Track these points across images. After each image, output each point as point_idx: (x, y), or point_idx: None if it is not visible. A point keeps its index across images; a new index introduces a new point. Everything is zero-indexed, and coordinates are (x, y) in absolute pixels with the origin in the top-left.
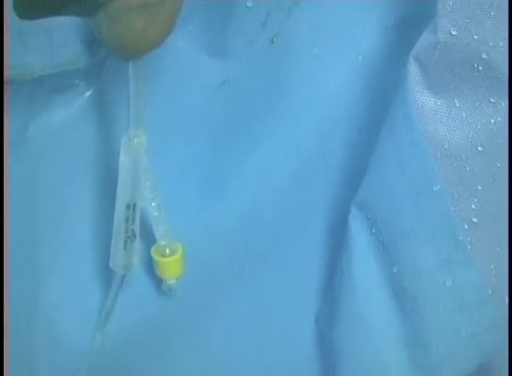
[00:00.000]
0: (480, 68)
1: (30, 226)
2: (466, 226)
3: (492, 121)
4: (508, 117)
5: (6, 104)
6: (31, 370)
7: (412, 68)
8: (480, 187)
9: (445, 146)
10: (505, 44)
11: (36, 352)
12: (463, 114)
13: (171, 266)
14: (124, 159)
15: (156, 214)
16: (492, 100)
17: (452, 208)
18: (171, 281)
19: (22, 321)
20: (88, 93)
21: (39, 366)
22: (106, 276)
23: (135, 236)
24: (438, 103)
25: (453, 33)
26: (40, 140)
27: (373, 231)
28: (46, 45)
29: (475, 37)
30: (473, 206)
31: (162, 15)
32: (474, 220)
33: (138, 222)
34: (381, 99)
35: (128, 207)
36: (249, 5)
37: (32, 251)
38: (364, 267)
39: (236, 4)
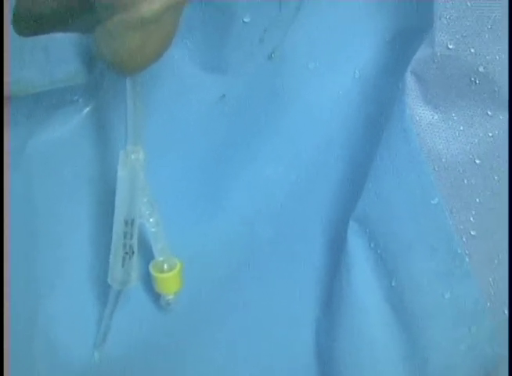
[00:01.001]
0: (477, 81)
1: (28, 240)
2: (464, 239)
3: (490, 134)
4: (508, 130)
5: (6, 119)
6: None
7: (410, 82)
8: (478, 200)
9: (443, 160)
10: (501, 57)
11: (35, 364)
12: (461, 127)
13: (169, 282)
14: (121, 175)
15: (154, 230)
16: (489, 113)
17: (450, 221)
18: (170, 296)
19: (22, 334)
20: (86, 109)
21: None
22: (105, 290)
23: (133, 252)
24: (436, 117)
25: (450, 46)
26: (38, 156)
27: (372, 245)
28: (44, 61)
29: (472, 50)
30: (471, 219)
31: (159, 31)
32: (472, 233)
33: (136, 237)
34: (378, 113)
35: (126, 222)
36: (246, 20)
37: (31, 266)
38: (363, 280)
39: (233, 19)
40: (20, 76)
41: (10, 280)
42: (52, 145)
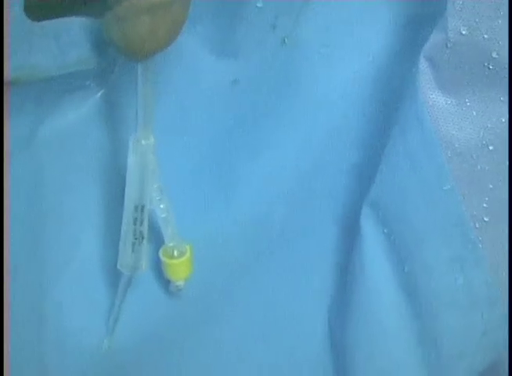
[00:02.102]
0: (490, 67)
1: (38, 226)
2: (477, 225)
3: (503, 119)
4: (508, 116)
5: (6, 105)
6: (41, 370)
7: (423, 67)
8: (491, 186)
9: (456, 145)
10: None
11: (45, 352)
12: (474, 113)
13: (180, 268)
14: (131, 160)
15: (164, 215)
16: (502, 99)
17: (463, 207)
18: (180, 282)
19: (30, 322)
20: (98, 94)
21: (48, 366)
22: (115, 277)
23: (142, 238)
24: (449, 102)
25: (463, 32)
26: (49, 141)
27: (385, 230)
28: (55, 45)
29: (485, 36)
30: (484, 205)
31: (170, 16)
32: (485, 219)
33: (146, 223)
34: (392, 99)
35: (136, 208)
36: (259, 5)
37: (40, 252)
38: (376, 266)
39: (245, 4)
40: (30, 61)
41: (13, 267)
42: (62, 130)
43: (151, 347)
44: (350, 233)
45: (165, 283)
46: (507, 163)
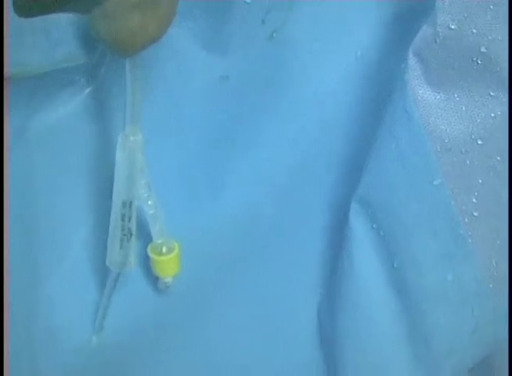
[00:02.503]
0: (479, 62)
1: (28, 223)
2: (466, 220)
3: (492, 114)
4: (508, 111)
5: (6, 101)
6: (31, 366)
7: (412, 62)
8: (480, 181)
9: (445, 140)
10: (503, 37)
11: (35, 349)
12: (463, 108)
13: (168, 264)
14: (120, 156)
15: (152, 212)
16: (491, 94)
17: (453, 202)
18: (168, 279)
19: (21, 318)
20: (87, 90)
21: (38, 363)
22: (106, 274)
23: (131, 235)
24: (438, 97)
25: (452, 27)
26: (39, 137)
27: (374, 226)
28: (44, 42)
29: (474, 30)
30: (473, 200)
31: (159, 11)
32: (475, 214)
33: (134, 220)
34: (381, 94)
35: (124, 204)
36: (248, 1)
37: (30, 249)
38: (365, 262)
39: (235, 0)
40: (20, 57)
41: (11, 266)
42: (52, 126)
43: (140, 343)
44: (339, 229)
45: (154, 279)
46: (497, 157)
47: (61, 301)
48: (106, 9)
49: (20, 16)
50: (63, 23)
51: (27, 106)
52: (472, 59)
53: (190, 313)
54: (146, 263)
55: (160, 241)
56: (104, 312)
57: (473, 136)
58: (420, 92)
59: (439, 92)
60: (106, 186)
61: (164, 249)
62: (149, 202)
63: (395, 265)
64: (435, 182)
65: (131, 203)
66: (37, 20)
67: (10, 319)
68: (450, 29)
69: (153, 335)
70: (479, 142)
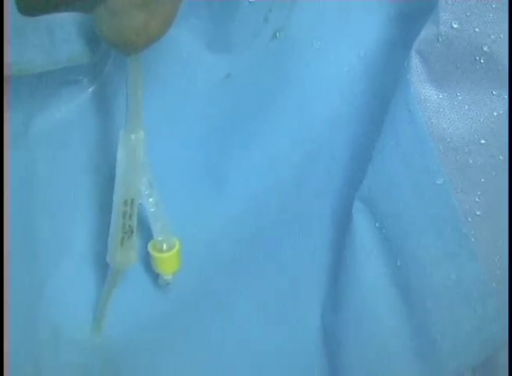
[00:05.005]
0: (482, 61)
1: (30, 220)
2: (469, 219)
3: (495, 113)
4: (508, 111)
5: (6, 99)
6: (32, 364)
7: (414, 61)
8: (483, 180)
9: (448, 139)
10: (506, 36)
11: (38, 346)
12: (466, 107)
13: (169, 262)
14: (121, 154)
15: (153, 209)
16: (494, 93)
17: (456, 201)
18: (169, 276)
19: (23, 316)
20: (91, 89)
21: (41, 361)
22: (105, 270)
23: (132, 232)
24: (441, 96)
25: (455, 26)
26: (42, 135)
27: (377, 225)
28: (47, 41)
29: (477, 29)
30: (476, 199)
31: (162, 9)
32: (478, 213)
33: (135, 217)
34: (383, 93)
35: (125, 202)
36: (251, 0)
37: (32, 246)
38: (368, 261)
39: None
40: (23, 56)
41: (11, 259)
42: (55, 124)
43: (141, 340)
44: (342, 227)
45: (154, 276)
46: (500, 157)
47: (62, 298)
48: (109, 6)
49: (24, 15)
50: (66, 22)
51: (29, 104)
52: (475, 58)
53: (192, 311)
54: (146, 260)
55: (160, 238)
56: (104, 310)
57: (476, 135)
58: (423, 91)
59: (442, 91)
60: (107, 184)
61: (165, 246)
62: (151, 199)
63: (398, 264)
64: (438, 182)
65: (132, 200)
66: (41, 19)
67: (10, 318)
68: (453, 28)
69: (153, 332)
70: (482, 141)
